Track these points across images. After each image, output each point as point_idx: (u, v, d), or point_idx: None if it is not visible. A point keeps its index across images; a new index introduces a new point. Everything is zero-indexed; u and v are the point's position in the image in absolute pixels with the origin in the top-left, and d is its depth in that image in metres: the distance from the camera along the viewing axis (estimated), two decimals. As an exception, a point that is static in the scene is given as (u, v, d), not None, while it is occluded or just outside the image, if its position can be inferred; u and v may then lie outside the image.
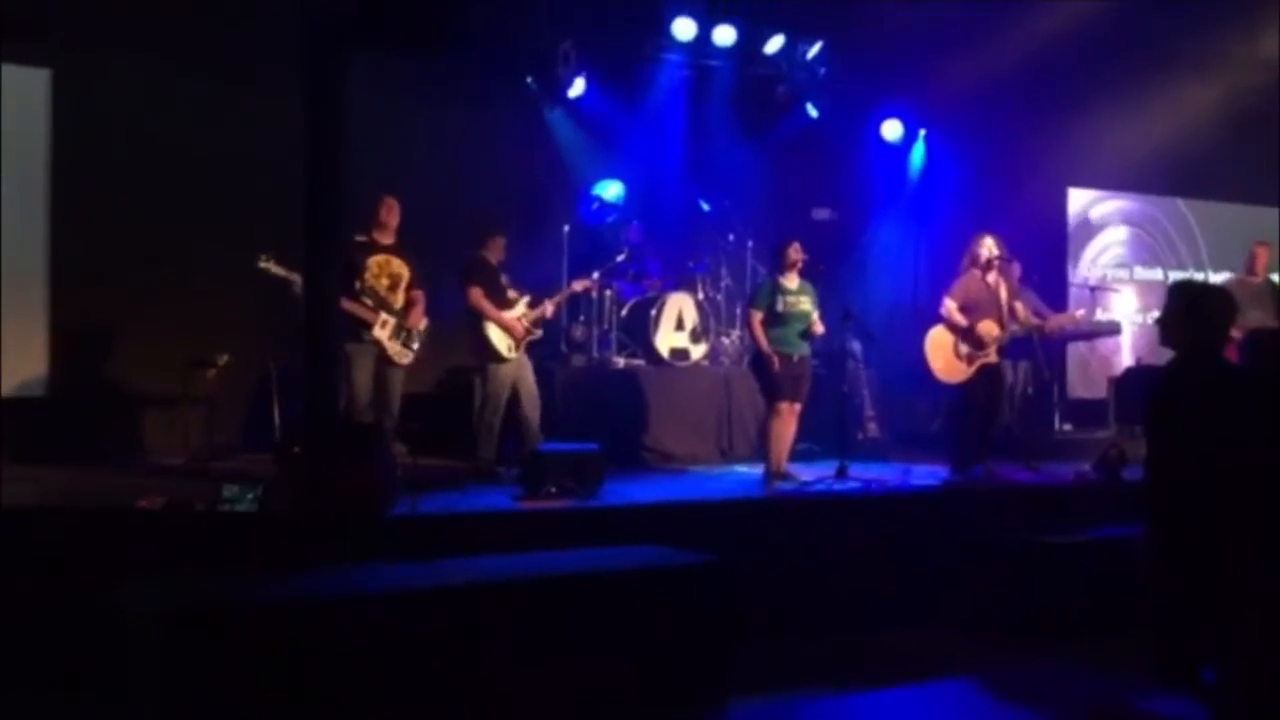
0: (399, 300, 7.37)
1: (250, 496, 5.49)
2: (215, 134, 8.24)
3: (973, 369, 7.77)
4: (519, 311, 7.73)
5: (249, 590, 4.40)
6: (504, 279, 7.78)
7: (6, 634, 4.76)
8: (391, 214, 7.37)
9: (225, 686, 3.90)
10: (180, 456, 7.71)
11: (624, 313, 9.34)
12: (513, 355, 7.62)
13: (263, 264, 7.01)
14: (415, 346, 7.37)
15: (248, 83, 8.19)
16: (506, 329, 7.61)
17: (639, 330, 9.23)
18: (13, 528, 5.25)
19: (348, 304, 6.99)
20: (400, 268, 7.40)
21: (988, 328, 7.75)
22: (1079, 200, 12.37)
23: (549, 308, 7.94)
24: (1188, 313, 4.60)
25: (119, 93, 8.09)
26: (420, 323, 7.40)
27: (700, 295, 9.51)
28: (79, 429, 7.95)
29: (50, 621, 4.82)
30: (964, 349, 7.77)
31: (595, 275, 8.80)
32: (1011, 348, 8.28)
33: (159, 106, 8.17)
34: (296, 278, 6.80)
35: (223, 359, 7.90)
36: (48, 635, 4.79)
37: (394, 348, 7.27)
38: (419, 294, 7.46)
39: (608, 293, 9.17)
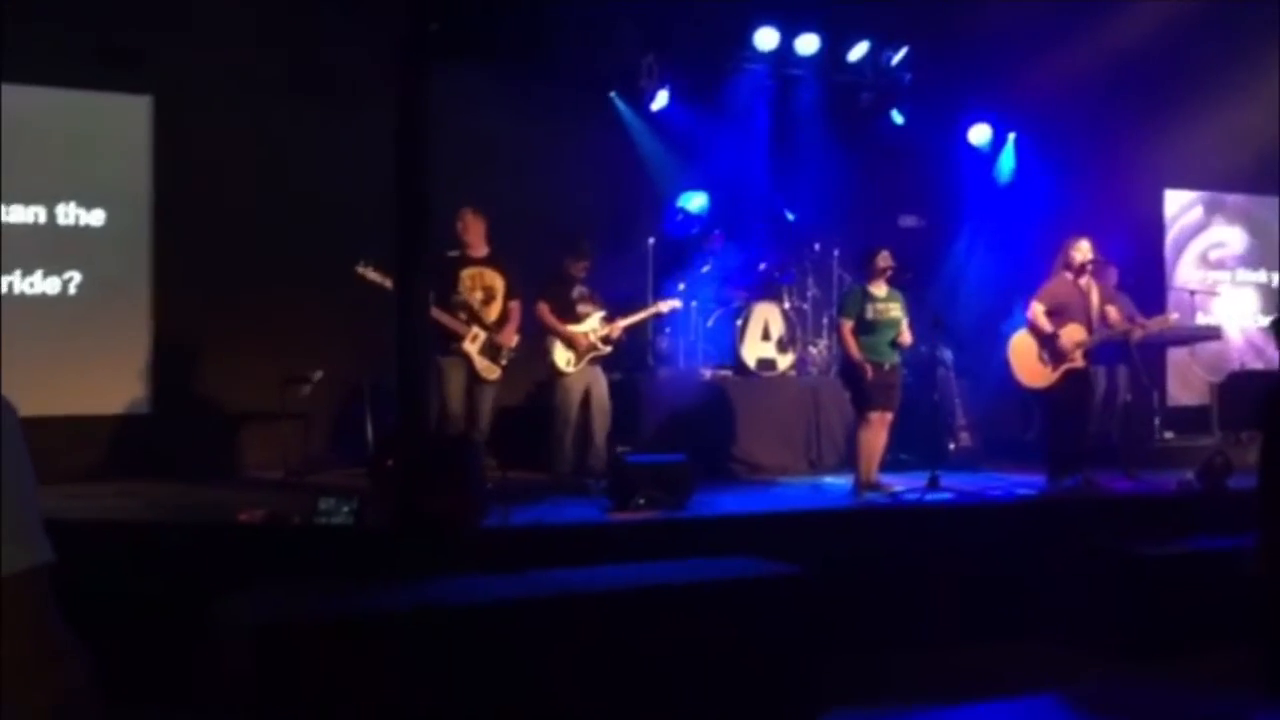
0: (493, 313, 7.38)
1: (346, 509, 5.58)
2: (309, 154, 8.42)
3: (1057, 374, 7.60)
4: (587, 326, 7.73)
5: (344, 602, 4.47)
6: (578, 293, 7.77)
7: (111, 645, 4.90)
8: (471, 227, 7.37)
9: (321, 698, 3.97)
10: (277, 471, 7.88)
11: (710, 323, 9.33)
12: (571, 369, 7.61)
13: (360, 269, 7.13)
14: (504, 363, 7.37)
15: (341, 102, 8.37)
16: (568, 342, 7.62)
17: (725, 341, 9.21)
18: (120, 541, 5.42)
19: (440, 315, 7.09)
20: (494, 279, 7.42)
21: (1071, 333, 7.58)
22: (1177, 202, 12.03)
23: (618, 327, 7.86)
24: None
25: (216, 116, 8.31)
26: (512, 340, 7.40)
27: (786, 305, 9.45)
28: (181, 445, 8.17)
29: (153, 633, 4.95)
30: (1046, 355, 7.62)
31: (681, 287, 8.80)
32: (1108, 353, 8.09)
33: (254, 128, 8.37)
34: (392, 283, 6.91)
35: (317, 375, 8.07)
36: (151, 646, 4.92)
37: (482, 363, 7.29)
38: (515, 306, 7.45)
39: (693, 304, 9.17)
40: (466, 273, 7.36)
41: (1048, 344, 7.61)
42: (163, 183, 8.41)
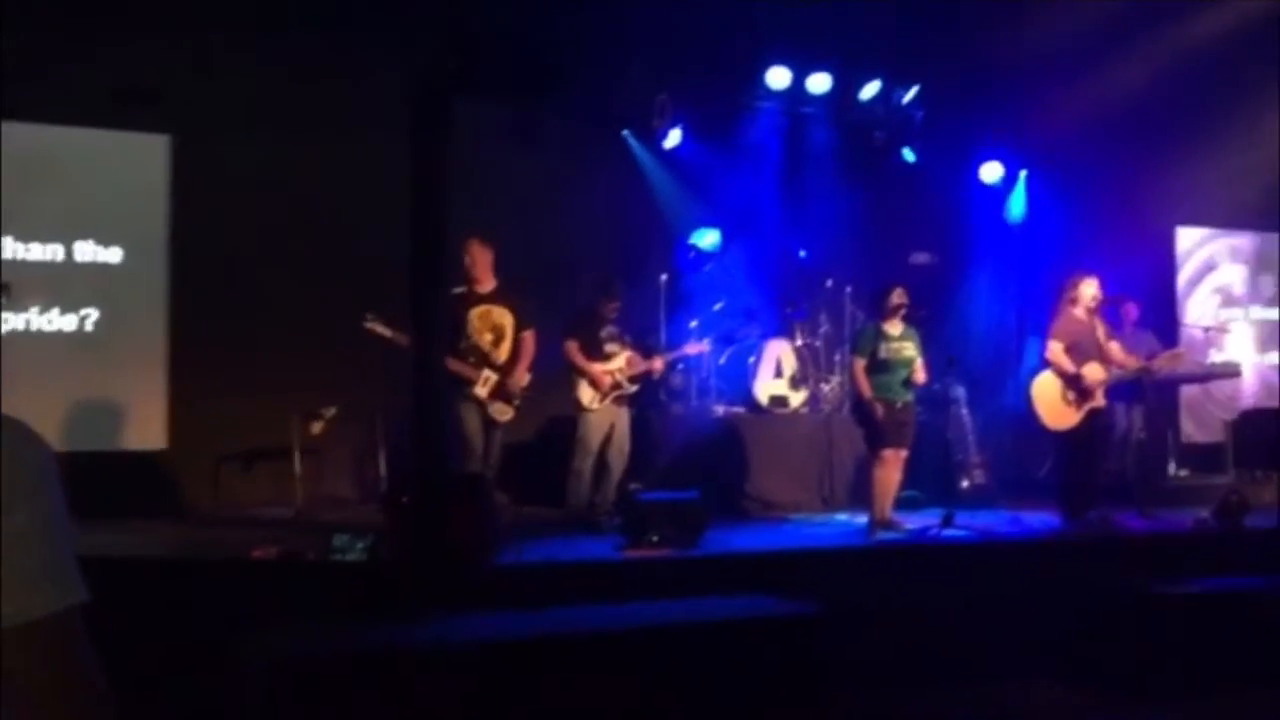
0: (504, 353, 7.34)
1: (360, 546, 5.59)
2: (326, 190, 8.48)
3: (1081, 414, 7.56)
4: (613, 365, 7.75)
5: (359, 638, 4.48)
6: (606, 333, 7.79)
7: (126, 682, 4.89)
8: (478, 259, 7.30)
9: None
10: (291, 507, 7.89)
11: (722, 360, 9.35)
12: (596, 406, 7.62)
13: (368, 324, 7.13)
14: (516, 404, 7.36)
15: (357, 139, 8.42)
16: (593, 380, 7.64)
17: (737, 378, 9.22)
18: (133, 578, 5.43)
19: (452, 363, 7.08)
20: (502, 316, 7.38)
21: (1093, 371, 7.55)
22: (1189, 239, 12.04)
23: (657, 364, 7.97)
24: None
25: (233, 154, 8.39)
26: (524, 379, 7.35)
27: (799, 342, 9.47)
28: (195, 481, 8.20)
29: (169, 669, 4.95)
30: (1071, 395, 7.57)
31: (694, 324, 8.84)
32: (1121, 391, 8.07)
33: (271, 168, 8.45)
34: (400, 337, 6.93)
35: (330, 411, 8.09)
36: (168, 683, 4.91)
37: (495, 406, 7.26)
38: (527, 337, 7.38)
39: (705, 341, 9.19)
40: (475, 312, 7.31)
41: (1073, 384, 7.53)
42: (179, 220, 8.48)
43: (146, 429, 8.38)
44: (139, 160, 8.45)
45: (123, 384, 8.32)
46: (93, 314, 8.25)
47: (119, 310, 8.34)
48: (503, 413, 7.31)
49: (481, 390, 7.23)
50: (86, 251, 8.28)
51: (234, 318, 8.43)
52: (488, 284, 7.40)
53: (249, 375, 8.41)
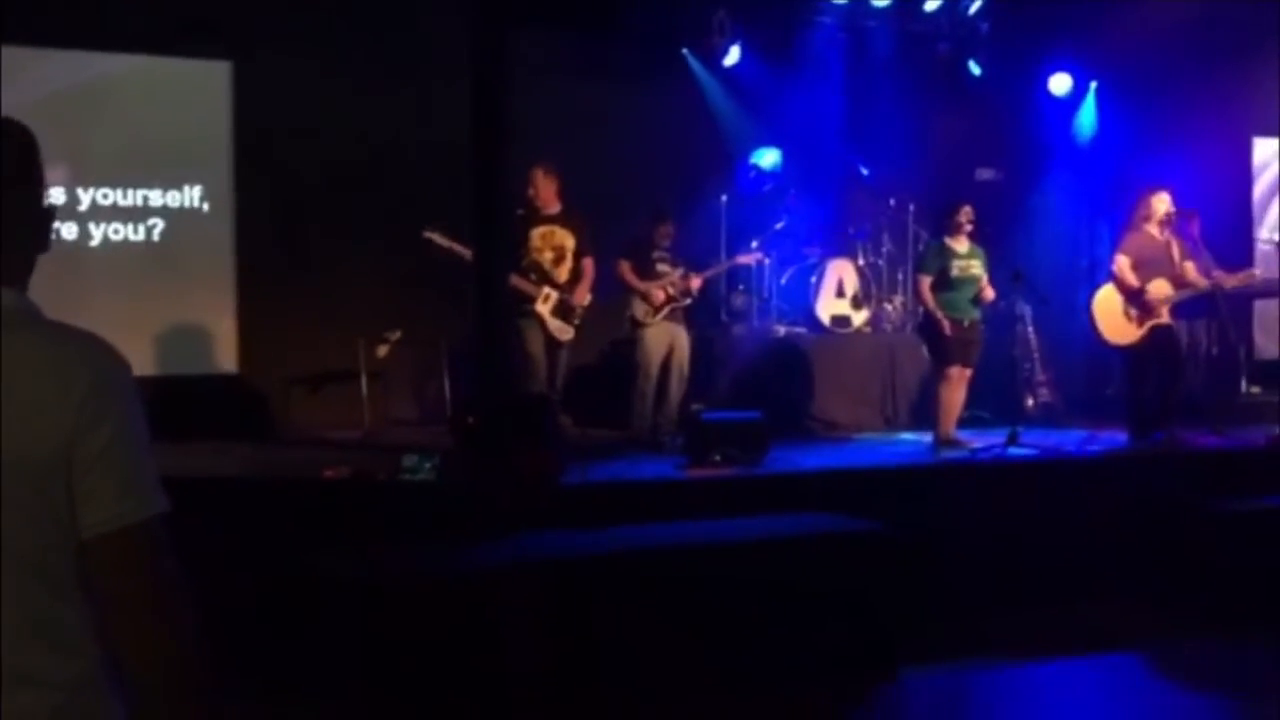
0: (564, 273, 7.42)
1: (428, 466, 5.68)
2: (388, 118, 8.46)
3: (1144, 330, 7.45)
4: (665, 281, 7.77)
5: (431, 559, 4.57)
6: (658, 254, 7.82)
7: (202, 599, 5.04)
8: (543, 185, 7.37)
9: (413, 652, 4.07)
10: (358, 430, 8.02)
11: (784, 280, 9.28)
12: (650, 321, 7.67)
13: (428, 233, 7.21)
14: (576, 322, 7.42)
15: (417, 66, 8.38)
16: (644, 296, 7.67)
17: (799, 298, 9.16)
18: (208, 497, 5.57)
19: (513, 279, 7.14)
20: (564, 238, 7.44)
21: (1159, 287, 7.42)
22: (1265, 150, 11.66)
23: (695, 280, 7.92)
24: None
25: (295, 81, 8.38)
26: (584, 298, 7.44)
27: (861, 261, 9.37)
28: (266, 404, 8.36)
29: (244, 587, 5.09)
30: (1133, 310, 7.46)
31: (755, 244, 8.80)
32: (1192, 307, 7.92)
33: (334, 93, 8.43)
34: (460, 248, 6.98)
35: (395, 334, 8.18)
36: (242, 601, 5.06)
37: (555, 324, 7.34)
38: (589, 263, 7.48)
39: (767, 261, 9.13)
40: (536, 232, 7.38)
41: (1134, 299, 7.44)
42: (243, 147, 8.53)
43: (219, 353, 8.53)
44: (202, 87, 8.49)
45: (194, 310, 8.46)
46: (159, 224, 8.33)
47: (188, 237, 8.45)
48: (563, 331, 7.36)
49: (543, 307, 7.30)
50: (154, 179, 8.37)
51: (300, 243, 8.50)
52: (553, 207, 7.47)
53: (315, 300, 8.51)
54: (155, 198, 8.36)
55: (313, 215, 8.49)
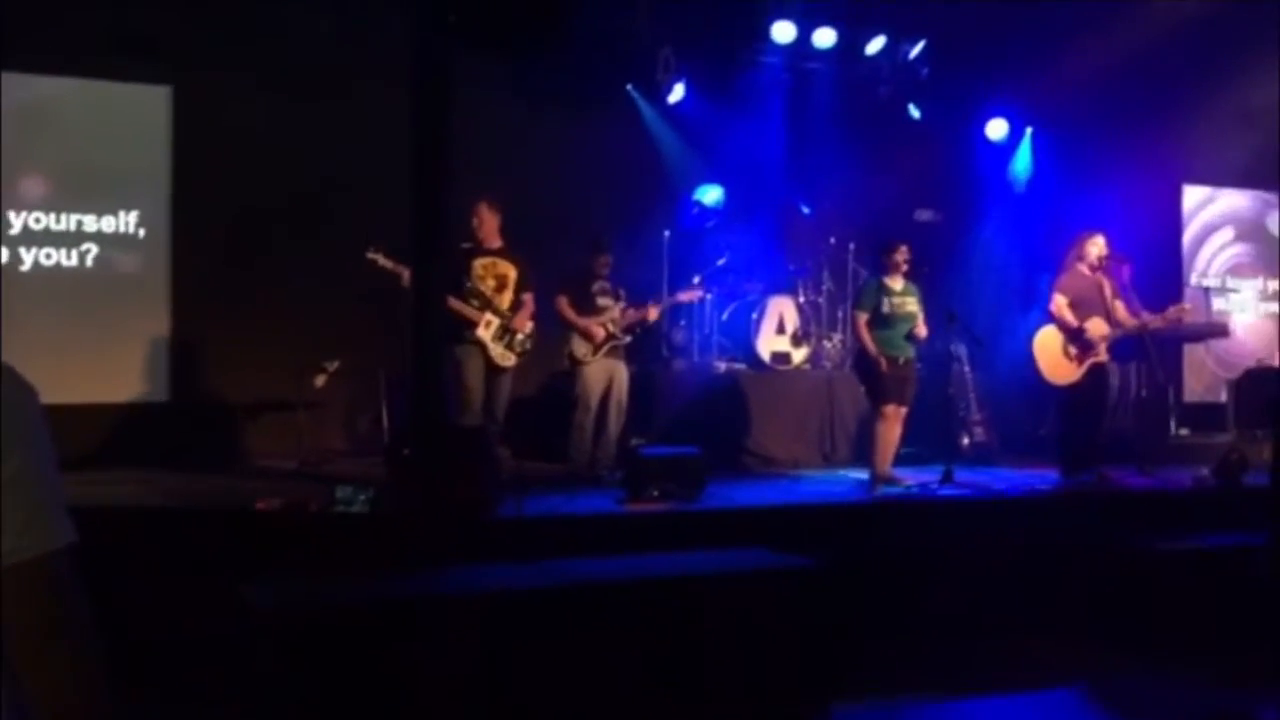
0: (506, 301, 7.44)
1: (362, 498, 5.62)
2: (328, 145, 8.43)
3: (1082, 369, 7.61)
4: (605, 317, 7.79)
5: (362, 590, 4.51)
6: (598, 287, 7.86)
7: (129, 631, 4.94)
8: (487, 219, 7.44)
9: (338, 684, 4.01)
10: (293, 460, 7.92)
11: (725, 316, 9.34)
12: (590, 359, 7.69)
13: (371, 255, 7.20)
14: (519, 350, 7.43)
15: (358, 92, 8.38)
16: (585, 333, 7.69)
17: (740, 334, 9.22)
18: (136, 527, 5.46)
19: (453, 302, 7.13)
20: (507, 269, 7.48)
21: (1096, 326, 7.59)
22: (1195, 197, 11.97)
23: (651, 312, 7.99)
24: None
25: (234, 107, 8.35)
26: (526, 326, 7.45)
27: (801, 298, 9.46)
28: (196, 434, 8.22)
29: (172, 619, 4.99)
30: (1073, 349, 7.61)
31: (697, 280, 8.85)
32: (1123, 349, 8.09)
33: (272, 119, 8.40)
34: (404, 270, 6.98)
35: (333, 364, 8.10)
36: (169, 631, 4.96)
37: (496, 350, 7.34)
38: (529, 296, 7.52)
39: (708, 297, 9.18)
40: (479, 262, 7.43)
41: (1075, 338, 7.59)
42: (181, 172, 8.45)
43: (151, 381, 8.40)
44: (141, 111, 8.40)
45: (126, 337, 8.33)
46: (93, 249, 8.23)
47: (122, 263, 8.33)
48: (505, 357, 7.37)
49: (484, 332, 7.31)
50: (89, 204, 8.25)
51: (237, 269, 8.41)
52: (495, 242, 7.54)
53: (251, 327, 8.42)
54: (89, 223, 8.27)
55: (251, 242, 8.41)
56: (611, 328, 7.78)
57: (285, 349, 8.24)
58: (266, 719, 4.10)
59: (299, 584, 4.52)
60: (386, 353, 7.99)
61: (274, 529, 5.55)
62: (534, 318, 7.52)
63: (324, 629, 4.09)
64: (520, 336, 7.42)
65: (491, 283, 7.43)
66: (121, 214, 8.36)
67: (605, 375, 7.74)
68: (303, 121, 8.46)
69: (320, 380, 8.08)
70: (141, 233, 8.39)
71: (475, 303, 7.33)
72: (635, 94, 9.85)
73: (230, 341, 8.46)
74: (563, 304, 7.74)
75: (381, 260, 7.20)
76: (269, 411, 8.47)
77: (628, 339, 7.92)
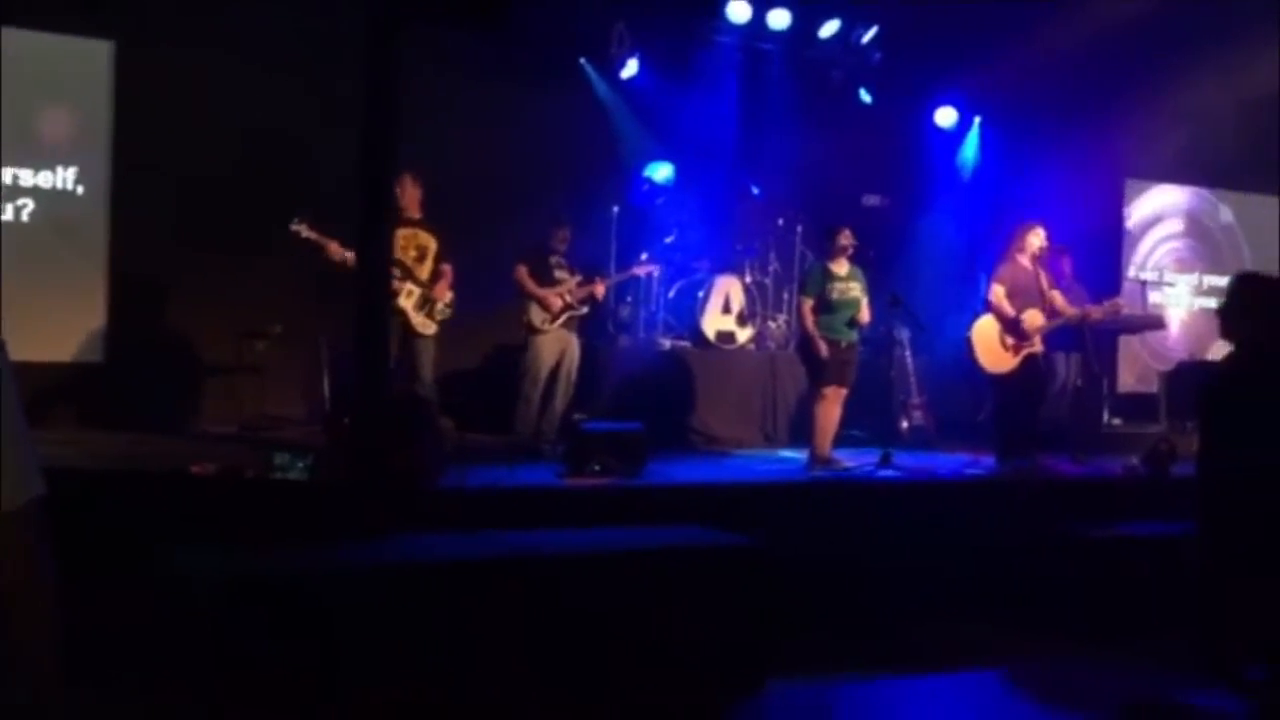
0: (425, 271, 7.48)
1: (301, 465, 5.57)
2: (274, 108, 8.31)
3: (1018, 359, 7.71)
4: (562, 288, 7.82)
5: (297, 558, 4.48)
6: (555, 260, 7.90)
7: (62, 594, 4.86)
8: (408, 192, 7.44)
9: (272, 652, 3.98)
10: (232, 425, 7.83)
11: (671, 294, 9.36)
12: (548, 328, 7.75)
13: (295, 226, 7.13)
14: (439, 318, 7.47)
15: (307, 58, 8.26)
16: (542, 302, 7.73)
17: (686, 312, 9.24)
18: (68, 489, 5.36)
19: None
20: (427, 240, 7.53)
21: (1032, 317, 7.70)
22: (1137, 191, 12.18)
23: (599, 286, 8.08)
24: (1250, 305, 4.52)
25: (179, 64, 8.18)
26: (445, 295, 7.49)
27: (748, 279, 9.50)
28: (134, 395, 8.09)
29: (104, 583, 4.92)
30: (1009, 339, 7.71)
31: (644, 257, 8.86)
32: (1060, 339, 8.21)
33: (218, 78, 8.24)
34: (329, 241, 6.96)
35: (275, 330, 8.02)
36: (102, 596, 4.88)
37: (417, 318, 7.38)
38: (447, 267, 7.56)
39: (655, 274, 9.20)
40: (401, 233, 7.38)
41: (1011, 328, 7.69)
42: (123, 129, 8.28)
43: (85, 341, 8.24)
44: (83, 65, 8.21)
45: (60, 295, 8.14)
46: (29, 205, 8.05)
47: (59, 220, 8.15)
48: (425, 325, 7.42)
49: (406, 301, 7.33)
50: (25, 158, 8.06)
51: (177, 231, 8.26)
52: (414, 213, 7.55)
53: (192, 290, 8.30)
54: (26, 177, 8.09)
55: (194, 205, 8.27)
56: (569, 298, 7.81)
57: (226, 313, 8.14)
58: (195, 691, 4.06)
59: (229, 552, 4.47)
60: (329, 320, 7.91)
61: (208, 495, 5.48)
62: (453, 287, 7.55)
63: (254, 597, 4.05)
64: (440, 305, 7.47)
65: (413, 253, 7.46)
66: (59, 169, 8.18)
67: (559, 347, 7.80)
68: (248, 83, 8.31)
69: (261, 345, 8.00)
70: (80, 189, 8.22)
71: (397, 273, 7.28)
72: (588, 68, 9.81)
73: (170, 303, 8.33)
74: (522, 273, 7.78)
75: (305, 232, 7.14)
76: (208, 375, 8.37)
77: (584, 309, 7.98)
